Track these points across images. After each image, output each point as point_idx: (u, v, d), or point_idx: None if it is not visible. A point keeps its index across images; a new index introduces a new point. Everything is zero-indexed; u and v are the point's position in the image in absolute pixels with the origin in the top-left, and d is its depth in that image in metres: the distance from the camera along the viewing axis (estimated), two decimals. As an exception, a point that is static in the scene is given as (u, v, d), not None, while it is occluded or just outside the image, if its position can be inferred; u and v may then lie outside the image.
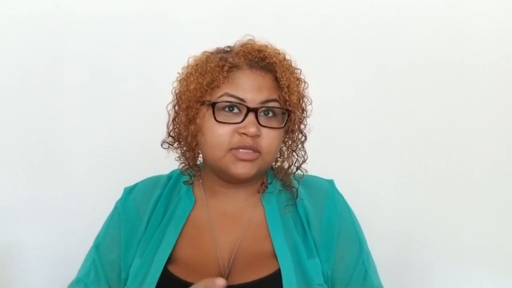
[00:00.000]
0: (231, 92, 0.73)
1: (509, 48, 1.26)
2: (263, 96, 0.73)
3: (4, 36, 1.24)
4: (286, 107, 0.75)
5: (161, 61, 1.24)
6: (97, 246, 0.85)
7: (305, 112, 0.81)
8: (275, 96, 0.75)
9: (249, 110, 0.72)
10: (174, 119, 0.80)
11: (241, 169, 0.73)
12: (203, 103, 0.75)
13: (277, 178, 0.83)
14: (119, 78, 1.27)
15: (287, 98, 0.75)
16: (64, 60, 1.26)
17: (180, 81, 0.80)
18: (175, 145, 0.81)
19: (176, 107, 0.79)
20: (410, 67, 1.27)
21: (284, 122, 0.76)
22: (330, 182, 0.86)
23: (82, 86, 1.27)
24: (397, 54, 1.27)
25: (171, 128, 0.81)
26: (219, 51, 0.79)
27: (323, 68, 1.23)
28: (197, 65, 0.77)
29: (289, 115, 0.76)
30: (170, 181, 0.86)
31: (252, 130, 0.71)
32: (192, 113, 0.75)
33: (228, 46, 0.81)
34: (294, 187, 0.81)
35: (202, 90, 0.74)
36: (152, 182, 0.87)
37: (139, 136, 1.25)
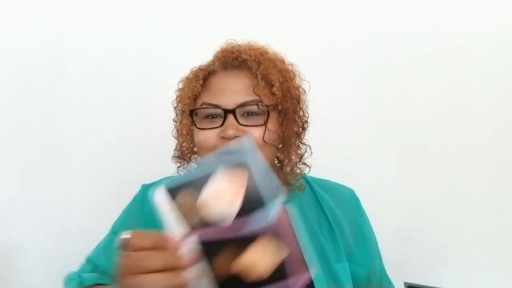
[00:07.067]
0: (207, 100, 0.74)
1: (509, 47, 1.26)
2: (239, 98, 0.73)
3: (6, 36, 1.24)
4: (265, 104, 0.73)
5: (162, 60, 1.25)
6: (115, 233, 0.83)
7: (300, 102, 0.79)
8: (252, 97, 0.73)
9: (226, 112, 0.72)
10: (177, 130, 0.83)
11: None
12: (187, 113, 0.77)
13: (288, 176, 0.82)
14: (119, 78, 1.27)
15: (262, 94, 0.73)
16: (64, 61, 1.26)
17: (175, 93, 0.82)
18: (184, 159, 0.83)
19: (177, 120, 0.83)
20: (408, 65, 1.27)
21: (266, 118, 0.73)
22: (353, 192, 0.89)
23: (81, 86, 1.27)
24: (395, 52, 1.27)
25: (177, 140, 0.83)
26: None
27: (321, 67, 1.23)
28: (187, 78, 0.80)
29: (272, 111, 0.74)
30: None
31: (230, 132, 0.71)
32: (183, 124, 0.78)
33: None
34: (290, 184, 0.80)
35: (187, 102, 0.76)
36: None
37: (139, 136, 1.25)
